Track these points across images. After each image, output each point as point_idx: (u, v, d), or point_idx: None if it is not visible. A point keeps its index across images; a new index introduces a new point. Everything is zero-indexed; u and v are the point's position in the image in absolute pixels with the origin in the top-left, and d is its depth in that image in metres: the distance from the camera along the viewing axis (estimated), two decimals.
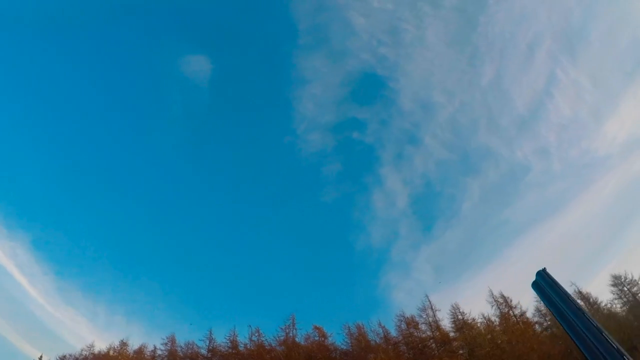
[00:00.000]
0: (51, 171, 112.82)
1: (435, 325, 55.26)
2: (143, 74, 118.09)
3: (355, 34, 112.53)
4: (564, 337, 46.49)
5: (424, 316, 56.44)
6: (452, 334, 54.19)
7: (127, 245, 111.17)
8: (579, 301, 50.87)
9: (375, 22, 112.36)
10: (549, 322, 50.60)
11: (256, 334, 58.08)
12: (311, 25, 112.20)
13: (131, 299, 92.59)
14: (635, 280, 50.75)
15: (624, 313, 48.94)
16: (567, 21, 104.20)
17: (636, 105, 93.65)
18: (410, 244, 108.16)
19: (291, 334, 57.76)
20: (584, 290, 52.12)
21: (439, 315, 55.93)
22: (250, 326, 58.77)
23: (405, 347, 55.14)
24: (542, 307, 52.93)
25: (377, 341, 56.03)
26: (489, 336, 51.58)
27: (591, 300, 50.90)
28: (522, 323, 51.34)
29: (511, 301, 53.56)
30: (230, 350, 57.54)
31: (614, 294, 51.02)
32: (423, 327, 56.07)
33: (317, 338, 57.16)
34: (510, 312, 53.24)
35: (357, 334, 56.85)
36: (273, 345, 57.61)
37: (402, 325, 56.66)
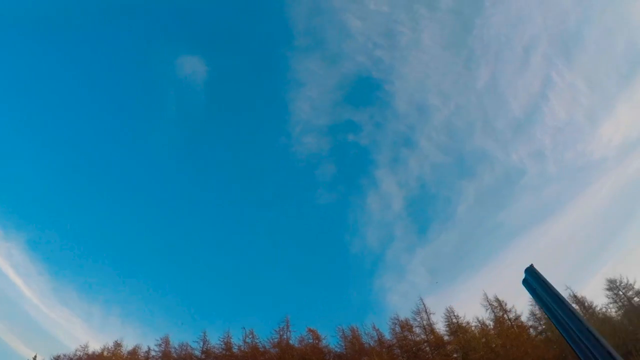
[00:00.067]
0: (46, 172, 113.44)
1: (429, 329, 55.00)
2: (139, 75, 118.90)
3: (351, 36, 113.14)
4: (558, 341, 46.22)
5: (419, 319, 56.23)
6: (446, 338, 53.92)
7: (122, 246, 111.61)
8: (566, 297, 51.01)
9: (371, 25, 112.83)
10: (543, 326, 50.31)
11: (250, 336, 58.02)
12: (307, 27, 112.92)
13: (126, 300, 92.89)
14: (630, 284, 50.44)
15: (619, 317, 48.59)
16: (563, 24, 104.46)
17: (632, 107, 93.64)
18: (405, 247, 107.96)
19: (285, 336, 57.63)
20: (579, 294, 51.86)
21: (434, 318, 55.73)
22: (244, 328, 58.75)
23: (399, 351, 54.90)
24: (537, 310, 52.65)
25: (371, 344, 55.81)
26: (484, 340, 51.26)
27: (586, 304, 50.60)
28: (517, 327, 51.05)
29: (506, 305, 53.33)
30: (224, 352, 57.42)
31: (609, 298, 50.74)
32: (417, 330, 55.85)
33: (311, 340, 56.99)
34: (505, 315, 52.96)
35: (351, 336, 56.66)
36: (267, 347, 57.48)
37: (397, 329, 56.47)
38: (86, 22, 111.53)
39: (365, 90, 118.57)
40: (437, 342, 53.20)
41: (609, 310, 49.91)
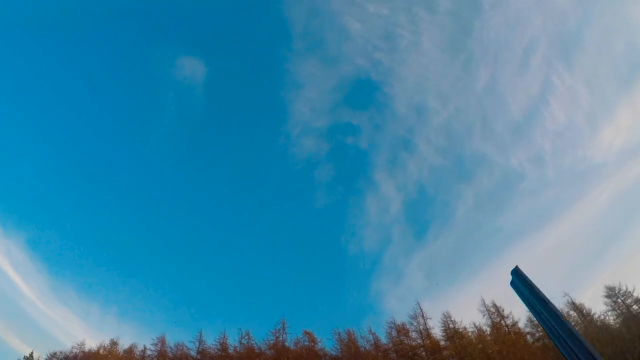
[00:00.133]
0: (46, 172, 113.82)
1: (425, 334, 54.72)
2: (138, 76, 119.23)
3: (350, 38, 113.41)
4: (555, 348, 45.82)
5: (415, 324, 55.98)
6: (442, 343, 53.60)
7: (121, 246, 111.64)
8: (565, 304, 49.97)
9: (370, 28, 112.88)
10: (540, 333, 49.88)
11: (246, 337, 57.98)
12: (306, 29, 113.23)
13: (124, 299, 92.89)
14: (629, 292, 50.00)
15: (617, 325, 48.12)
16: (563, 26, 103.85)
17: (632, 112, 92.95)
18: (403, 250, 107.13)
19: (281, 338, 57.53)
20: (578, 301, 51.43)
21: (430, 323, 55.47)
22: (240, 329, 58.75)
23: (395, 355, 54.61)
24: (534, 317, 52.24)
25: (367, 348, 55.59)
26: (480, 346, 50.95)
27: (584, 311, 50.18)
28: (514, 333, 50.68)
29: (503, 311, 52.98)
30: (219, 353, 57.40)
31: (607, 305, 50.28)
32: (414, 334, 55.58)
33: (306, 343, 56.86)
34: (502, 321, 52.61)
35: (347, 340, 56.48)
36: (262, 349, 57.42)
37: (393, 333, 56.24)
38: (86, 23, 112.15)
39: (365, 93, 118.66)
40: (433, 347, 52.88)
41: (607, 317, 49.51)
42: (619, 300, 50.12)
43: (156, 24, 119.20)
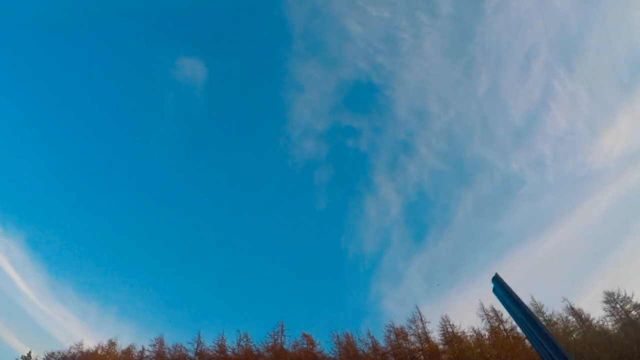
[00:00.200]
0: (46, 171, 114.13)
1: (424, 337, 54.69)
2: (138, 76, 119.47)
3: (351, 41, 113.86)
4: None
5: (414, 327, 55.96)
6: (441, 347, 53.57)
7: (121, 246, 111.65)
8: (564, 309, 49.90)
9: (372, 31, 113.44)
10: None
11: (244, 339, 57.94)
12: (306, 31, 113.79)
13: (123, 299, 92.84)
14: (628, 297, 49.99)
15: (615, 331, 48.03)
16: (564, 31, 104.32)
17: (633, 118, 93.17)
18: (402, 254, 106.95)
19: (279, 341, 57.49)
20: (576, 306, 51.39)
21: (429, 327, 55.47)
22: (239, 331, 58.71)
23: (393, 358, 54.55)
24: (515, 322, 52.26)
25: (366, 351, 55.53)
26: (478, 350, 50.87)
27: (583, 316, 50.14)
28: (512, 338, 50.61)
29: (502, 315, 52.91)
30: (217, 355, 57.31)
31: (606, 310, 50.24)
32: (412, 338, 55.55)
33: (305, 345, 56.80)
34: (501, 326, 52.57)
35: (345, 343, 56.44)
36: (261, 351, 57.34)
37: (391, 336, 56.18)
38: (87, 23, 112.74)
39: (365, 96, 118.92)
40: (431, 351, 52.84)
41: (605, 323, 49.42)
42: (618, 306, 50.10)
43: (157, 24, 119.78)
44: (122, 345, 57.75)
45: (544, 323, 51.01)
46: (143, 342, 59.49)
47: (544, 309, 52.49)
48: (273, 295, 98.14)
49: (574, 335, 49.03)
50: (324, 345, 56.94)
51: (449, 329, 54.51)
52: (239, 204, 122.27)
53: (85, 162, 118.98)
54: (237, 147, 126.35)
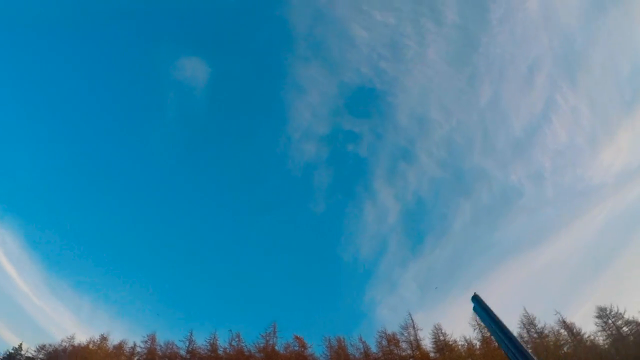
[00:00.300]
0: (45, 167, 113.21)
1: (416, 344, 54.82)
2: (140, 75, 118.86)
3: (355, 46, 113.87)
4: None
5: (406, 334, 56.13)
6: (432, 355, 53.69)
7: (117, 244, 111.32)
8: (556, 322, 49.68)
9: (376, 36, 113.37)
10: (530, 349, 49.97)
11: (236, 339, 58.01)
12: (310, 34, 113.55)
13: (117, 295, 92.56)
14: (620, 313, 50.16)
15: (606, 346, 48.22)
16: (569, 46, 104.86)
17: (634, 134, 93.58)
18: (398, 260, 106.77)
19: (271, 342, 57.55)
20: (569, 319, 51.56)
21: (421, 334, 55.63)
22: (231, 331, 58.78)
23: None
24: (525, 334, 52.46)
25: (357, 356, 55.65)
26: (469, 359, 51.05)
27: (574, 330, 50.29)
28: None
29: None
30: (209, 353, 57.34)
31: (598, 325, 50.39)
32: (404, 345, 55.69)
33: (296, 348, 56.88)
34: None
35: (337, 347, 56.53)
36: (252, 352, 57.39)
37: (383, 342, 56.32)
38: (89, 22, 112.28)
39: (367, 101, 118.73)
40: (422, 358, 52.94)
41: (597, 338, 49.59)
42: (610, 322, 50.27)
43: (159, 23, 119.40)
44: (113, 340, 57.84)
45: (535, 335, 51.17)
46: (135, 338, 59.37)
47: (536, 321, 52.69)
48: (267, 297, 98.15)
49: (564, 349, 49.18)
50: (316, 348, 57.08)
51: (441, 337, 54.65)
52: (237, 205, 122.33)
53: (84, 159, 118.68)
54: (237, 148, 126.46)
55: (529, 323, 53.21)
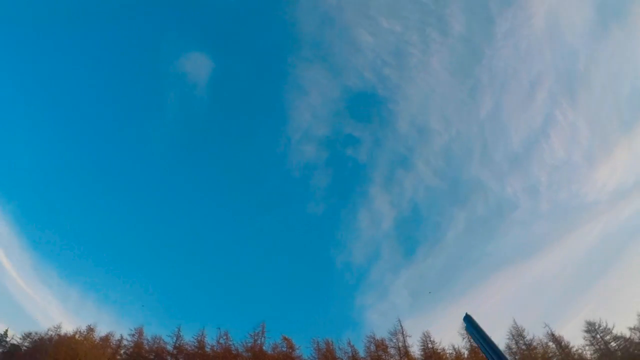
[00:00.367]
0: (41, 159, 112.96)
1: (404, 351, 54.62)
2: (144, 68, 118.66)
3: (360, 51, 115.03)
4: None
5: (394, 340, 55.97)
6: None
7: (109, 235, 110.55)
8: (545, 334, 49.69)
9: (381, 43, 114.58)
10: None
11: (224, 337, 57.67)
12: (316, 36, 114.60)
13: (106, 287, 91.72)
14: (609, 328, 50.29)
15: None
16: (572, 64, 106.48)
17: (630, 154, 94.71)
18: (391, 267, 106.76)
19: (259, 342, 57.24)
20: (557, 333, 51.58)
21: (409, 341, 55.49)
22: (219, 328, 58.46)
23: None
24: (513, 345, 52.45)
25: None
26: None
27: (562, 343, 50.31)
28: None
29: None
30: (196, 350, 56.93)
31: (586, 340, 50.47)
32: (392, 351, 55.46)
33: (284, 349, 56.58)
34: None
35: (325, 350, 56.24)
36: (240, 350, 57.03)
37: (372, 347, 56.11)
38: (95, 14, 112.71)
39: (369, 106, 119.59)
40: None
41: (584, 352, 49.59)
42: (598, 336, 50.35)
43: (168, 16, 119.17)
44: (100, 332, 57.37)
45: (523, 347, 51.16)
46: (122, 331, 58.92)
47: (525, 333, 52.69)
48: (258, 296, 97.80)
49: None
50: (304, 350, 56.77)
51: (429, 345, 54.52)
52: (234, 203, 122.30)
53: (81, 152, 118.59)
54: (236, 146, 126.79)
55: (517, 335, 53.21)
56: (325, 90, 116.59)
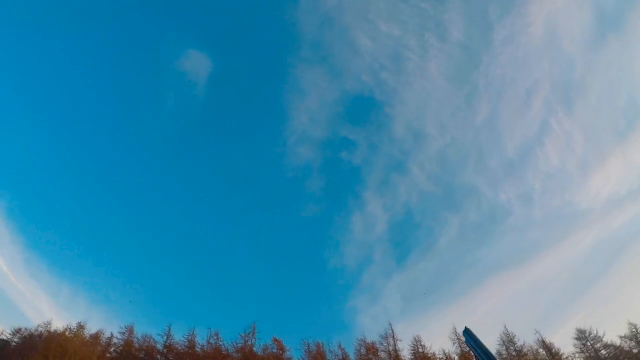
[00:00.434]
0: (39, 156, 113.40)
1: (394, 355, 54.48)
2: (144, 66, 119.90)
3: (359, 54, 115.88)
4: None
5: (385, 344, 55.84)
6: None
7: (102, 233, 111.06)
8: (535, 341, 49.43)
9: (380, 47, 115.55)
10: None
11: (215, 337, 57.49)
12: (316, 39, 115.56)
13: (97, 284, 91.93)
14: (599, 336, 50.25)
15: None
16: (569, 74, 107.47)
17: (623, 164, 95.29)
18: (383, 271, 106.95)
19: (250, 343, 57.07)
20: (548, 340, 51.48)
21: (400, 345, 55.41)
22: (210, 329, 58.31)
23: None
24: (504, 351, 52.37)
25: None
26: None
27: (553, 350, 50.19)
28: None
29: None
30: (186, 350, 56.70)
31: (576, 347, 50.41)
32: (383, 355, 55.33)
33: (275, 350, 56.39)
34: (472, 352, 52.52)
35: (315, 352, 56.08)
36: (230, 351, 56.81)
37: (362, 350, 55.94)
38: (95, 15, 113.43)
39: (365, 110, 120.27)
40: None
41: (575, 359, 49.50)
42: (589, 344, 50.27)
43: (169, 14, 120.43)
44: (91, 329, 57.15)
45: (514, 353, 51.06)
46: (113, 329, 58.68)
47: (515, 339, 52.59)
48: (250, 297, 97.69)
49: None
50: (294, 352, 56.65)
51: (420, 349, 54.38)
52: (228, 203, 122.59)
53: (78, 150, 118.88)
54: (233, 146, 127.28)
55: (508, 341, 53.11)
56: (323, 93, 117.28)
